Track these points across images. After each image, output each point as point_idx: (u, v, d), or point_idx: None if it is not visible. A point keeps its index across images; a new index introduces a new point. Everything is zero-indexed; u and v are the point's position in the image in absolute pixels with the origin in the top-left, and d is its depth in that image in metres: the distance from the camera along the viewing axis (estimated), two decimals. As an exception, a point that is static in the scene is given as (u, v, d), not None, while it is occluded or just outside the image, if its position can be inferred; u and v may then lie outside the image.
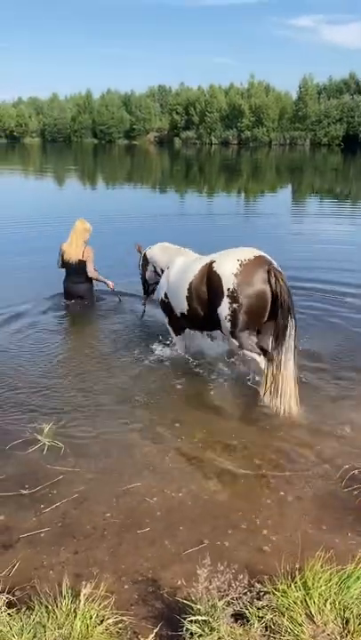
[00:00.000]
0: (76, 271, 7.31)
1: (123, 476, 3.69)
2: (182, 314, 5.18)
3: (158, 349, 5.73)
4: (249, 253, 4.61)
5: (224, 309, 4.55)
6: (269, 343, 4.56)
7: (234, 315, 4.51)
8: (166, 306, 5.45)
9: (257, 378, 4.83)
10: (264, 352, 4.58)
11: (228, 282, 4.49)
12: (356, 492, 3.51)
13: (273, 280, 4.40)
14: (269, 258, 4.63)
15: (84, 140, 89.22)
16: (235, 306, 4.48)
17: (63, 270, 7.42)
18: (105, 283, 7.47)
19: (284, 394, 4.47)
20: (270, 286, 4.41)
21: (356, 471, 3.67)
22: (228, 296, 4.50)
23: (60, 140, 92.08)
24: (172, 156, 56.01)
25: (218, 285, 4.57)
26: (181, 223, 14.67)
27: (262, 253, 4.66)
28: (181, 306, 5.11)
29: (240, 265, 4.49)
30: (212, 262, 4.73)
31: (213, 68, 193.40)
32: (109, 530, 3.19)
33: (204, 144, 78.26)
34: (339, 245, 11.54)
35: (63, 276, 7.46)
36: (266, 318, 4.54)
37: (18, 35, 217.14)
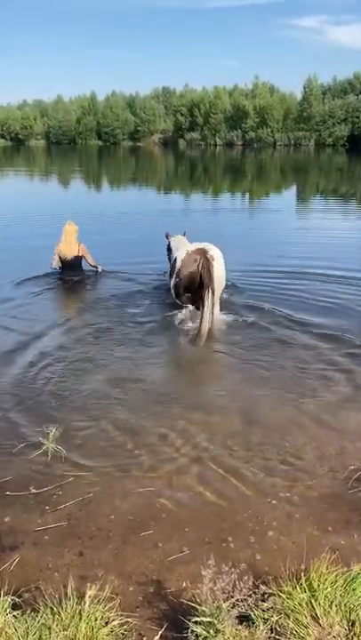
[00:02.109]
0: (71, 266, 8.43)
1: (127, 479, 3.69)
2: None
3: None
4: (194, 246, 6.69)
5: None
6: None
7: (177, 284, 6.75)
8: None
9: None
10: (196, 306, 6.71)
11: (178, 264, 6.65)
12: (361, 494, 3.49)
13: (201, 265, 6.34)
14: (209, 249, 6.52)
15: (89, 142, 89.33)
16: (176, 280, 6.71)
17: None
18: (96, 268, 8.71)
19: (203, 327, 6.17)
20: (199, 269, 6.36)
21: (361, 472, 3.66)
22: (175, 274, 6.69)
23: (64, 142, 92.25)
24: (176, 158, 56.01)
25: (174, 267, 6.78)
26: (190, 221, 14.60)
27: (203, 246, 6.61)
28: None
29: (185, 255, 6.60)
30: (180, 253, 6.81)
31: (218, 70, 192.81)
32: (114, 532, 3.19)
33: (208, 145, 78.18)
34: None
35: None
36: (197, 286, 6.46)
37: (22, 37, 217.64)
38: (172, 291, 6.90)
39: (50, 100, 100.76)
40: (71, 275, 8.42)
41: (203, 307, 6.26)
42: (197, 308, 6.62)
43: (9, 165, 44.49)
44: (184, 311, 6.91)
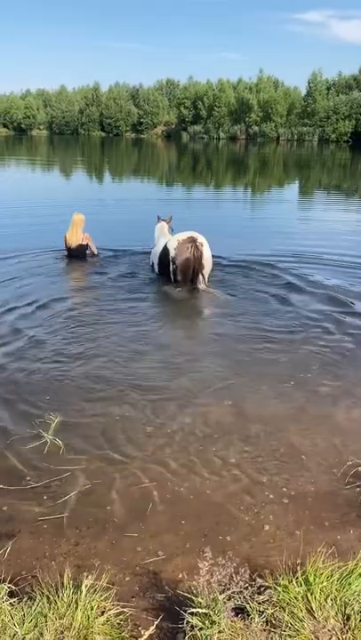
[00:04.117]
0: (76, 254, 9.21)
1: (126, 469, 3.69)
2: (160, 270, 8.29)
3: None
4: (184, 235, 7.65)
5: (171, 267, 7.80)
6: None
7: (174, 270, 7.73)
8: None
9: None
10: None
11: (172, 252, 7.64)
12: (358, 489, 3.51)
13: (193, 251, 7.47)
14: (196, 237, 7.55)
15: (92, 133, 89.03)
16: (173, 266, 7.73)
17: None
18: (96, 256, 9.44)
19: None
20: (191, 255, 7.51)
21: (359, 468, 3.66)
22: (171, 260, 7.67)
23: (67, 132, 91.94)
24: (179, 150, 55.88)
25: (167, 254, 7.76)
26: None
27: (191, 234, 7.62)
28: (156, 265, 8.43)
29: (177, 244, 7.61)
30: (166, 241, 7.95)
31: (222, 63, 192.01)
32: (111, 522, 3.20)
33: (211, 138, 77.96)
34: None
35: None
36: (192, 270, 7.62)
37: (26, 26, 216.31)
38: (172, 276, 7.81)
39: (53, 90, 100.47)
40: (75, 261, 9.19)
41: (196, 287, 7.66)
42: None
43: (14, 154, 44.31)
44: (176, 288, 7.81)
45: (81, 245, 9.19)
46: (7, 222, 12.64)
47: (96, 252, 9.41)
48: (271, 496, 3.46)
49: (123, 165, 37.26)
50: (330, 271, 8.97)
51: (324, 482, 3.62)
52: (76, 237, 9.15)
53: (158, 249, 8.24)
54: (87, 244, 9.26)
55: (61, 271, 8.84)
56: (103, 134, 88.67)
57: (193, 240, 7.55)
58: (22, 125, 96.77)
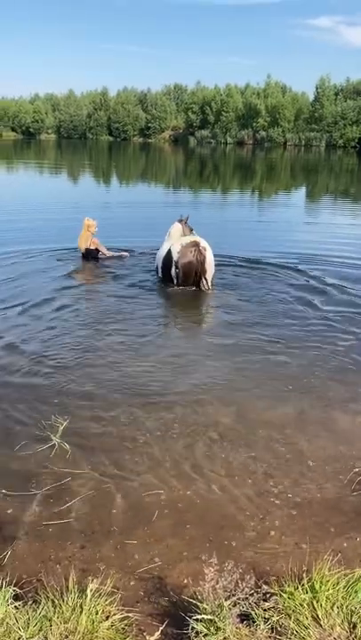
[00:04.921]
0: (85, 256, 9.55)
1: (131, 474, 3.69)
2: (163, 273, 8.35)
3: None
4: (188, 239, 7.86)
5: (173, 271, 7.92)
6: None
7: (177, 274, 7.84)
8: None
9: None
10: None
11: (175, 256, 7.77)
12: (365, 496, 3.48)
13: (196, 255, 7.62)
14: (200, 241, 7.72)
15: (100, 137, 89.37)
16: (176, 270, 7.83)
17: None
18: (120, 256, 9.75)
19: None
20: (194, 258, 7.66)
21: (365, 475, 3.64)
22: (174, 264, 7.79)
23: (75, 136, 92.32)
24: (186, 155, 56.02)
25: (171, 258, 7.88)
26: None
27: (195, 239, 7.79)
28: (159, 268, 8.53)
29: (180, 247, 7.75)
30: (170, 245, 8.03)
31: (230, 68, 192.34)
32: (116, 526, 3.19)
33: (219, 143, 78.08)
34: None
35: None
36: (194, 273, 7.78)
37: (35, 31, 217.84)
38: (175, 280, 7.92)
39: (62, 94, 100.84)
40: (90, 261, 9.54)
41: (199, 283, 7.86)
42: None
43: (23, 158, 44.57)
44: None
45: (88, 249, 9.48)
46: (11, 224, 12.73)
47: (108, 255, 9.61)
48: (277, 502, 3.45)
49: (130, 169, 37.45)
50: (338, 273, 9.00)
51: (331, 488, 3.60)
52: (84, 241, 9.47)
53: (162, 253, 8.33)
54: (95, 249, 9.49)
55: (68, 272, 8.91)
56: (111, 138, 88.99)
57: (196, 244, 7.70)
58: (31, 129, 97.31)
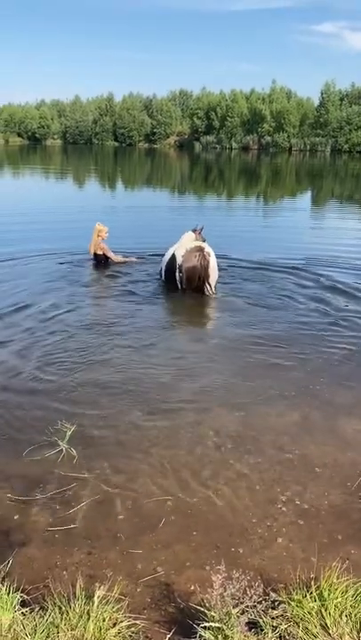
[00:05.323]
0: (95, 261, 9.71)
1: (137, 479, 3.68)
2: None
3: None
4: (192, 245, 7.94)
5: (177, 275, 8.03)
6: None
7: (181, 278, 7.95)
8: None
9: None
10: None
11: (179, 260, 7.89)
12: (373, 503, 3.46)
13: (200, 260, 7.72)
14: (204, 247, 7.85)
15: (105, 143, 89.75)
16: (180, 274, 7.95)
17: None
18: (130, 261, 9.80)
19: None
20: (198, 263, 7.74)
21: (373, 481, 3.62)
22: (178, 268, 7.91)
23: (80, 142, 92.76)
24: (192, 160, 56.17)
25: (175, 262, 8.01)
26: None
27: (199, 244, 7.93)
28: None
29: (185, 252, 7.87)
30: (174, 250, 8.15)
31: (235, 74, 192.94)
32: (123, 532, 3.18)
33: (224, 148, 78.19)
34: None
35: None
36: (197, 278, 7.85)
37: (42, 38, 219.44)
38: (178, 284, 8.01)
39: (67, 100, 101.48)
40: (97, 266, 9.69)
41: (202, 287, 7.92)
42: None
43: (29, 163, 44.82)
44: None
45: (96, 255, 9.63)
46: (17, 227, 12.81)
47: (117, 260, 9.70)
48: (284, 509, 3.43)
49: (136, 174, 37.58)
50: (345, 277, 8.99)
51: (338, 495, 3.58)
52: (93, 246, 9.64)
53: (167, 257, 8.41)
54: (102, 254, 9.60)
55: (73, 276, 8.98)
56: (116, 144, 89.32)
57: (200, 249, 7.82)
58: (37, 135, 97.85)
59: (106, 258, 9.62)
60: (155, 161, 54.83)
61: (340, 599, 2.45)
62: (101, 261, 9.63)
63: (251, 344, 6.08)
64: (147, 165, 48.63)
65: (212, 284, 7.93)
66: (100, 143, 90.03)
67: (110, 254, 9.65)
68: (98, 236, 9.52)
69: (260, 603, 2.36)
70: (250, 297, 7.87)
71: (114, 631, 2.36)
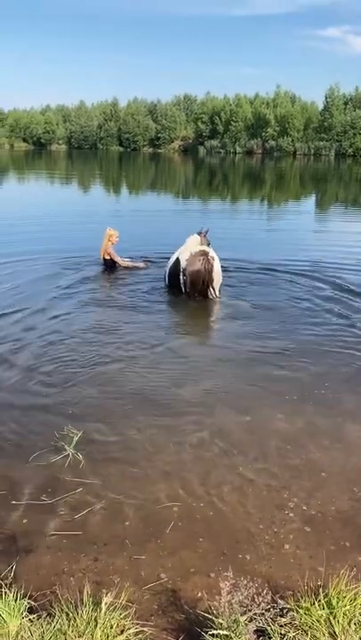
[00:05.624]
0: (105, 265, 9.76)
1: (144, 485, 3.68)
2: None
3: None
4: (196, 249, 7.94)
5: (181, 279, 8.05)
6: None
7: (185, 282, 7.96)
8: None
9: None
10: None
11: (183, 264, 7.90)
12: (380, 510, 3.44)
13: (204, 264, 7.73)
14: (208, 251, 7.86)
15: (110, 148, 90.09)
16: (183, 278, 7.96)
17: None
18: (138, 266, 9.82)
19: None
20: (202, 267, 7.75)
21: (381, 488, 3.60)
22: (182, 272, 7.92)
23: (85, 147, 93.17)
24: (196, 165, 56.29)
25: (179, 266, 8.02)
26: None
27: (203, 249, 7.95)
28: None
29: (189, 256, 7.87)
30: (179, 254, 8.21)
31: (239, 78, 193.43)
32: (130, 538, 3.17)
33: (228, 153, 78.37)
34: None
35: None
36: (201, 282, 7.85)
37: (46, 43, 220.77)
38: (182, 287, 8.03)
39: (73, 105, 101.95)
40: (106, 270, 9.74)
41: (205, 292, 7.95)
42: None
43: (34, 168, 45.04)
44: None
45: (105, 259, 9.75)
46: (22, 231, 12.87)
47: (124, 264, 9.73)
48: (291, 514, 3.42)
49: (140, 179, 37.70)
50: (350, 280, 8.97)
51: (345, 501, 3.56)
52: (102, 250, 9.75)
53: (172, 261, 8.45)
54: (110, 259, 9.68)
55: (80, 280, 9.01)
56: (121, 149, 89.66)
57: (205, 253, 7.86)
58: (42, 140, 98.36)
59: (114, 262, 9.68)
60: (159, 165, 54.99)
61: (348, 607, 2.44)
62: (110, 266, 9.70)
63: (255, 348, 6.07)
64: (151, 170, 48.79)
65: (216, 288, 7.97)
66: (105, 148, 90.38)
67: (117, 258, 9.69)
68: (108, 240, 9.59)
69: (268, 610, 2.34)
70: (255, 300, 7.87)
71: (121, 638, 2.35)
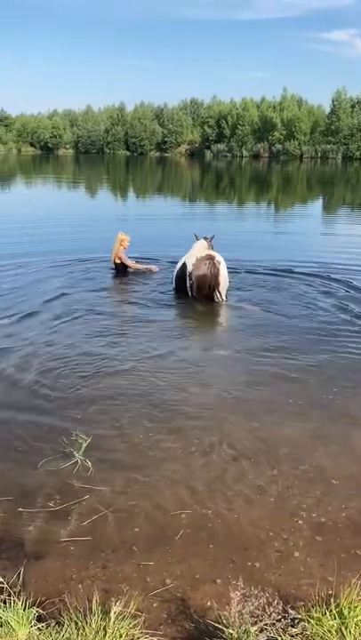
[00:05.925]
0: (115, 270, 9.84)
1: (152, 492, 3.66)
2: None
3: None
4: (203, 254, 8.00)
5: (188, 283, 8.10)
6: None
7: (191, 286, 8.01)
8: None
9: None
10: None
11: (190, 268, 7.98)
12: (391, 517, 3.40)
13: (210, 268, 7.79)
14: (215, 255, 7.92)
15: (117, 152, 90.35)
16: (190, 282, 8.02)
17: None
18: (149, 269, 9.86)
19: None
20: (208, 271, 7.81)
21: (391, 495, 3.56)
22: (188, 276, 7.99)
23: (92, 151, 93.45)
24: (202, 168, 56.36)
25: (186, 270, 8.08)
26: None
27: (210, 253, 8.01)
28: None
29: (195, 260, 7.96)
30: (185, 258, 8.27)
31: (246, 82, 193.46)
32: (138, 546, 3.16)
33: (234, 157, 78.35)
34: None
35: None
36: (207, 286, 7.91)
37: (53, 48, 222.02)
38: (189, 292, 8.08)
39: (79, 110, 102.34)
40: (118, 275, 9.81)
41: (212, 295, 7.96)
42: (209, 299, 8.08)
43: (42, 173, 45.26)
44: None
45: (115, 263, 9.82)
46: (29, 235, 12.92)
47: (135, 267, 9.83)
48: (300, 522, 3.39)
49: (147, 183, 37.78)
50: (359, 281, 8.93)
51: (355, 508, 3.53)
52: (114, 254, 9.80)
53: (179, 265, 8.49)
54: (120, 262, 9.74)
55: (88, 284, 9.06)
56: (128, 153, 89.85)
57: (211, 258, 7.91)
58: (49, 145, 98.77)
59: (124, 267, 9.74)
60: (166, 169, 55.11)
61: (360, 617, 2.40)
62: (120, 270, 9.77)
63: (264, 352, 6.05)
64: (158, 174, 48.89)
65: (223, 292, 8.00)
66: (112, 152, 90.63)
67: (128, 262, 9.75)
68: (120, 245, 9.66)
69: (279, 621, 2.32)
70: (262, 304, 7.87)
71: (130, 647, 2.34)
